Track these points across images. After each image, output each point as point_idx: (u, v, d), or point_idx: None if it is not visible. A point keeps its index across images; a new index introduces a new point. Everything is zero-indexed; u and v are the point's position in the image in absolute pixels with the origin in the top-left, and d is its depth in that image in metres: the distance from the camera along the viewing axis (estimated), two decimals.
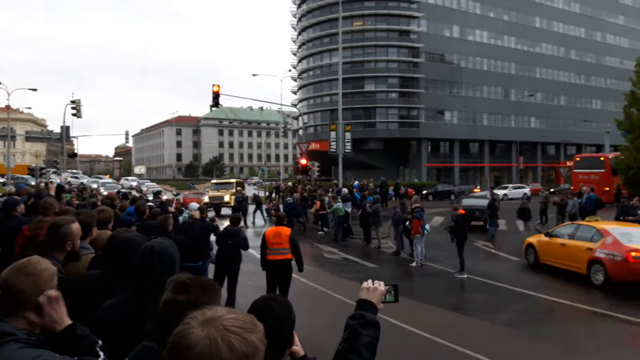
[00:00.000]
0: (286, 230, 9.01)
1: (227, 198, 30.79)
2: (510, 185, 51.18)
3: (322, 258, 16.21)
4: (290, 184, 37.28)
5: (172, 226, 8.04)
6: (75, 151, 35.97)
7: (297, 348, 2.10)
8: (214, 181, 39.98)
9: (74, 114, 32.09)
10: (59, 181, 12.97)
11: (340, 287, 11.60)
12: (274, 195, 36.33)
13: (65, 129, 32.53)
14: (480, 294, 11.74)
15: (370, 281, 2.26)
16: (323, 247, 17.99)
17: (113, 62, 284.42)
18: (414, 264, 14.76)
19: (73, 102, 32.11)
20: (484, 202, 22.16)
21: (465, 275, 13.04)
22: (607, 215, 21.48)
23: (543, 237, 14.59)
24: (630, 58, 57.69)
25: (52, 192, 8.87)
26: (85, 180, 47.10)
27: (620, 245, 11.62)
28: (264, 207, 27.93)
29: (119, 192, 22.86)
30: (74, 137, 71.33)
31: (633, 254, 11.15)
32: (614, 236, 12.05)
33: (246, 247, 9.39)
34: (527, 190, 46.60)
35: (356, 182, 29.97)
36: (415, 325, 8.53)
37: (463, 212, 14.75)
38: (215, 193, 32.20)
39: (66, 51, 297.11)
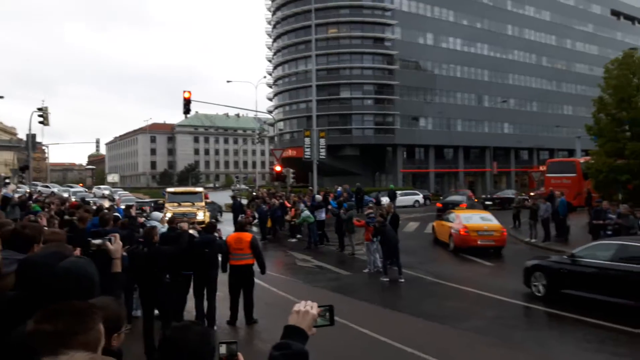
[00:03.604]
0: (247, 236, 9.21)
1: (200, 216, 21.99)
2: (399, 192, 40.68)
3: (295, 266, 15.96)
4: (264, 190, 36.84)
5: (157, 236, 7.86)
6: (28, 164, 33.94)
7: None
8: (169, 190, 27.44)
9: (40, 122, 31.07)
10: (4, 192, 12.35)
11: (313, 297, 11.29)
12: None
13: (32, 137, 31.50)
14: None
15: (302, 303, 2.03)
16: (296, 255, 17.75)
17: (82, 69, 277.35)
18: (365, 270, 14.45)
19: (40, 109, 31.13)
20: (460, 198, 30.36)
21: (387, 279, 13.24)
22: (579, 219, 21.81)
23: (438, 221, 20.76)
24: (599, 65, 58.91)
25: None
26: (56, 189, 46.07)
27: (460, 224, 17.67)
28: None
29: (83, 199, 22.22)
30: (44, 145, 70.08)
31: (464, 229, 17.27)
32: (460, 218, 18.14)
33: (225, 252, 9.30)
34: (419, 197, 43.21)
35: (339, 189, 29.66)
36: (386, 334, 8.34)
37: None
38: (179, 209, 21.80)
39: (32, 59, 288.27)
